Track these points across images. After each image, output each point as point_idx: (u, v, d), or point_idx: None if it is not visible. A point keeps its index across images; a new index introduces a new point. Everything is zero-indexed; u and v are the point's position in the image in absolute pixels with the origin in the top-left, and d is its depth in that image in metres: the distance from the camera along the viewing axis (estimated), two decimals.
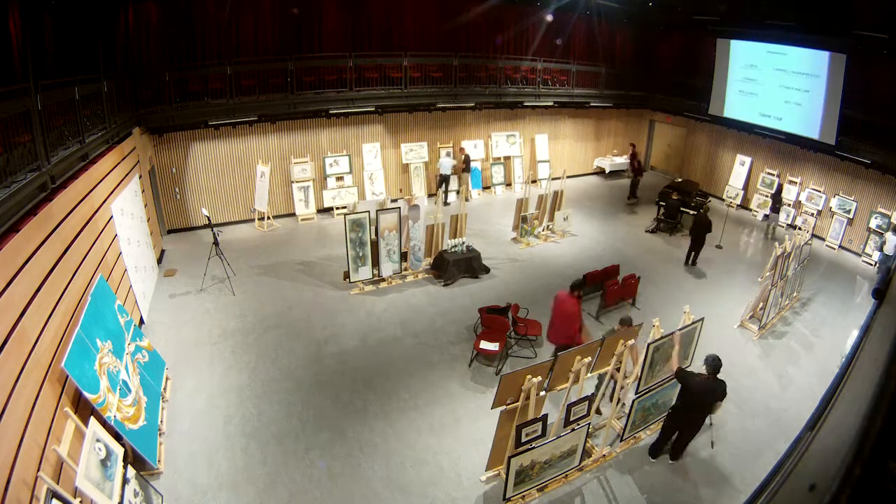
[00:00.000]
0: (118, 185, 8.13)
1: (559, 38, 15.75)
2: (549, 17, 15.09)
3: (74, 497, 3.92)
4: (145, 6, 10.46)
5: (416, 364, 7.64)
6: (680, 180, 14.74)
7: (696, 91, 15.69)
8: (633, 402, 5.98)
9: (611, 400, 6.37)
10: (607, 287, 8.88)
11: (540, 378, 5.27)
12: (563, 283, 10.10)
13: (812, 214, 13.36)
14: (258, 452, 5.92)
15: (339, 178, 13.33)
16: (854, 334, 6.63)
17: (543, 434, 5.31)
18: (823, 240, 13.08)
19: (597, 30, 16.41)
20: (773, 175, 14.41)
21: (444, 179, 13.93)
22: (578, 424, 5.49)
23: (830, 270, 11.67)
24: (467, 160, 14.33)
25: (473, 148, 15.08)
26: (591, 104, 16.74)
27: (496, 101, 14.79)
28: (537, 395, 5.36)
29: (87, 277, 6.13)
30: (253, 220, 12.61)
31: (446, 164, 13.87)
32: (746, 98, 14.45)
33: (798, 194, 13.76)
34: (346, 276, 9.58)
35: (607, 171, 17.90)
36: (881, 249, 10.83)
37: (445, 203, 13.83)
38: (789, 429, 6.51)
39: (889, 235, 10.75)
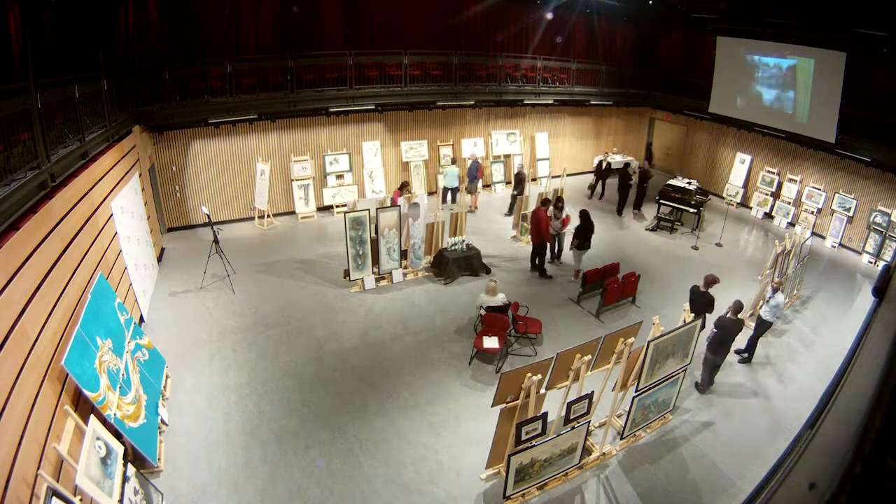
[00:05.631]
0: (118, 183, 8.12)
1: (559, 36, 15.73)
2: (549, 16, 15.08)
3: (74, 495, 3.93)
4: (145, 4, 10.43)
5: (416, 362, 7.64)
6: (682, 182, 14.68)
7: (697, 89, 15.67)
8: (634, 399, 5.99)
9: None
10: (607, 285, 8.87)
11: (540, 376, 5.27)
12: (564, 281, 10.18)
13: (812, 213, 13.36)
14: (258, 450, 5.93)
15: (339, 177, 13.31)
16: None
17: (543, 432, 5.31)
18: (823, 238, 13.08)
19: (597, 28, 16.39)
20: (773, 173, 14.40)
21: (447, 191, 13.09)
22: (578, 423, 5.49)
23: (830, 268, 11.67)
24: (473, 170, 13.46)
25: (473, 146, 15.06)
26: (592, 102, 16.72)
27: (496, 99, 14.77)
28: (537, 393, 5.36)
29: (87, 275, 6.13)
30: (253, 218, 12.61)
31: (452, 174, 13.03)
32: (746, 96, 14.43)
33: (798, 192, 13.77)
34: (347, 274, 9.58)
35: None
36: None
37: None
38: (789, 427, 6.53)
39: None
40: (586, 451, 5.87)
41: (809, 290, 10.28)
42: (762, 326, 7.81)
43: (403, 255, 10.00)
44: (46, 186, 5.52)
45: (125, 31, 9.93)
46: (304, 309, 8.88)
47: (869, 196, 12.24)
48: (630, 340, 5.84)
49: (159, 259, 10.37)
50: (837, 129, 12.17)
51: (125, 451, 4.79)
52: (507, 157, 15.74)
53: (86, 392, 4.80)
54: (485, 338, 7.50)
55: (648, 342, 5.76)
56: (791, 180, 13.93)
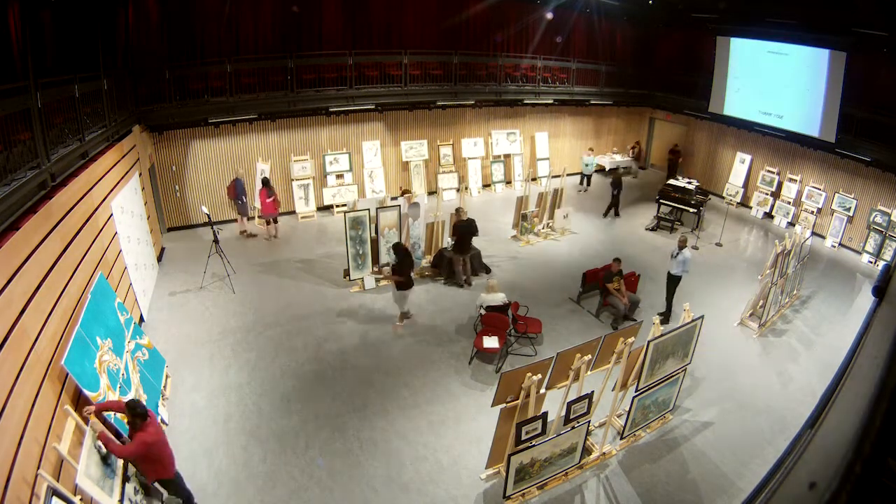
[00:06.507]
0: (118, 182, 8.12)
1: (559, 35, 15.73)
2: (550, 15, 15.08)
3: (75, 495, 3.93)
4: (145, 4, 10.43)
5: (416, 362, 7.64)
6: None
7: (697, 89, 15.66)
8: (634, 399, 5.99)
9: None
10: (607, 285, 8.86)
11: (540, 376, 5.27)
12: (564, 281, 10.18)
13: (812, 212, 13.36)
14: (258, 450, 5.93)
15: (339, 176, 13.31)
16: None
17: (543, 432, 5.31)
18: (823, 237, 13.08)
19: (597, 28, 16.39)
20: (773, 173, 14.40)
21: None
22: (578, 422, 5.49)
23: (830, 268, 11.67)
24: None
25: (473, 146, 15.06)
26: (591, 102, 16.72)
27: (496, 99, 14.77)
28: (537, 392, 5.36)
29: (87, 275, 6.13)
30: (253, 217, 12.60)
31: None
32: (746, 96, 14.43)
33: (798, 192, 13.77)
34: (346, 273, 9.58)
35: (607, 169, 17.88)
36: None
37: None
38: (789, 427, 6.53)
39: None
40: (586, 450, 5.87)
41: (809, 290, 10.28)
42: (672, 282, 8.76)
43: None
44: (46, 186, 5.52)
45: (125, 31, 9.93)
46: (303, 309, 8.88)
47: (869, 196, 12.24)
48: (630, 340, 5.84)
49: (159, 259, 10.37)
50: (837, 129, 12.17)
51: None
52: (507, 156, 15.74)
53: (86, 392, 4.80)
54: (485, 337, 7.50)
55: (648, 342, 5.76)
56: (791, 180, 13.93)
